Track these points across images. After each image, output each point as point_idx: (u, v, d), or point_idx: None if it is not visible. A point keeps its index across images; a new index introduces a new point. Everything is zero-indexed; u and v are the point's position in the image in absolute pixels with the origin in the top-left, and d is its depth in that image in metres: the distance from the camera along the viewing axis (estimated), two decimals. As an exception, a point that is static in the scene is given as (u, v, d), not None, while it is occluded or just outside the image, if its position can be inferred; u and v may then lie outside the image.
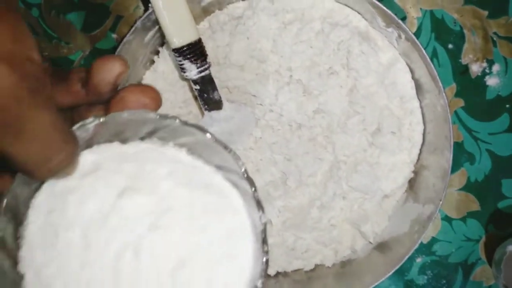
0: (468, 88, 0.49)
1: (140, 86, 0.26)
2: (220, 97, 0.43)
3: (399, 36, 0.42)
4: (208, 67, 0.42)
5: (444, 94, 0.40)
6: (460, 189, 0.50)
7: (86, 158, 0.25)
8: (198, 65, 0.41)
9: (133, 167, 0.25)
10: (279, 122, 0.47)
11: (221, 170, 0.25)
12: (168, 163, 0.25)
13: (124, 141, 0.25)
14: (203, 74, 0.42)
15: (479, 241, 0.51)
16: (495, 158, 0.50)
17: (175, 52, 0.40)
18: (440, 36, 0.49)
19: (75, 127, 0.23)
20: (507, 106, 0.49)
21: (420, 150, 0.45)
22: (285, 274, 0.48)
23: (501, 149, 0.50)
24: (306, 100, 0.46)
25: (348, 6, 0.44)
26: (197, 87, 0.43)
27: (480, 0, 0.48)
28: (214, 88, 0.43)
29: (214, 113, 0.44)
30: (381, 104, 0.44)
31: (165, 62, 0.46)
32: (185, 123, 0.24)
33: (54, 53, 0.50)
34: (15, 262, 0.23)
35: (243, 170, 0.24)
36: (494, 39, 0.49)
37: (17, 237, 0.24)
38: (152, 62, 0.47)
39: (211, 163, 0.25)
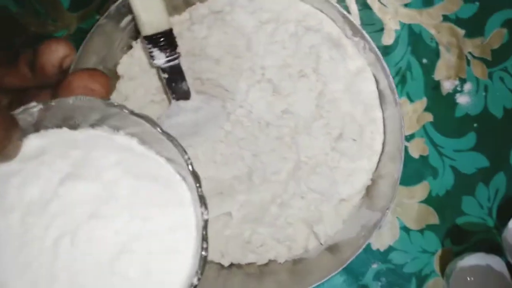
0: (438, 103, 0.50)
1: (88, 71, 0.26)
2: (188, 87, 0.45)
3: (364, 47, 0.43)
4: (178, 57, 0.43)
5: (399, 107, 0.41)
6: (421, 202, 0.51)
7: (32, 142, 0.25)
8: (167, 54, 0.42)
9: (80, 153, 0.25)
10: (248, 119, 0.48)
11: (171, 163, 0.25)
12: (118, 151, 0.25)
13: (74, 127, 0.25)
14: (171, 63, 0.43)
15: (434, 254, 0.52)
16: (458, 174, 0.51)
17: (146, 39, 0.42)
18: (416, 50, 0.49)
19: (17, 111, 0.23)
20: (475, 125, 0.50)
21: (379, 159, 0.46)
22: (239, 266, 0.49)
23: (465, 166, 0.51)
24: (276, 99, 0.47)
25: (323, 12, 0.45)
26: (165, 75, 0.44)
27: (458, 19, 0.49)
28: (182, 78, 0.44)
29: (181, 103, 0.45)
30: (345, 110, 0.45)
31: (142, 48, 0.47)
32: (132, 113, 0.24)
33: (41, 29, 0.52)
34: None
35: (189, 164, 0.24)
36: (469, 58, 0.49)
37: None
38: (130, 47, 0.48)
39: (163, 155, 0.25)
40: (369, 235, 0.42)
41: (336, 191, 0.47)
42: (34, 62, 0.25)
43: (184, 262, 0.25)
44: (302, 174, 0.47)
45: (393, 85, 0.41)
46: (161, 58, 0.42)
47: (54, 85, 0.26)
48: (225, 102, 0.47)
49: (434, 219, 0.52)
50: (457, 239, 0.52)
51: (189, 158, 0.25)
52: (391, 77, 0.41)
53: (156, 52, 0.42)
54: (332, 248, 0.46)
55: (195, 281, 0.24)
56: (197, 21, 0.47)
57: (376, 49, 0.41)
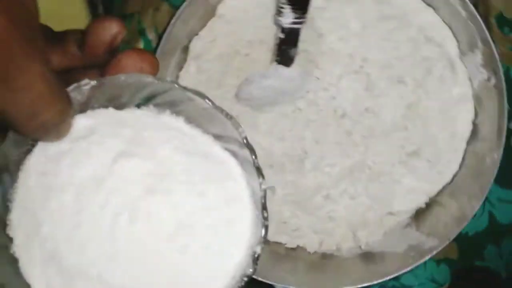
0: (504, 150, 0.50)
1: (137, 50, 0.25)
2: (295, 55, 0.43)
3: (488, 80, 0.42)
4: (303, 22, 0.41)
5: (500, 152, 0.41)
6: (449, 235, 0.52)
7: (80, 122, 0.24)
8: (297, 15, 0.40)
9: (130, 132, 0.24)
10: (327, 103, 0.46)
11: (220, 140, 0.25)
12: (166, 130, 0.25)
13: (119, 107, 0.25)
14: (295, 26, 0.41)
15: (442, 286, 0.53)
16: (493, 221, 0.52)
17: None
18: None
19: (69, 88, 0.22)
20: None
21: (443, 187, 0.46)
22: (266, 241, 0.48)
23: (502, 216, 0.52)
24: (365, 95, 0.46)
25: (451, 28, 0.44)
26: (282, 36, 0.42)
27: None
28: (296, 45, 0.42)
29: (280, 67, 0.43)
30: (432, 131, 0.45)
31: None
32: (184, 88, 0.24)
33: None
34: (4, 225, 0.23)
35: (243, 136, 0.24)
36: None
37: (6, 199, 0.23)
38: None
39: (210, 132, 0.25)
40: (420, 258, 0.42)
41: (389, 203, 0.47)
42: (83, 40, 0.24)
43: (243, 233, 0.25)
44: (362, 176, 0.46)
45: (504, 127, 0.40)
46: (288, 18, 0.40)
47: (103, 64, 0.25)
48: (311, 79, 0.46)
49: (454, 255, 0.53)
50: (467, 279, 0.53)
51: (243, 131, 0.25)
52: (506, 119, 0.40)
53: (287, 9, 0.40)
54: (367, 256, 0.47)
55: (258, 249, 0.24)
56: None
57: (504, 87, 0.40)
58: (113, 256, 0.23)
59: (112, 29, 0.24)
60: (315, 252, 0.48)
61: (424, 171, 0.45)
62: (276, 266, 0.47)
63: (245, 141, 0.24)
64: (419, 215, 0.47)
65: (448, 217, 0.44)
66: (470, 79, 0.44)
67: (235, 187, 0.25)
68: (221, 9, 0.45)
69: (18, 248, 0.23)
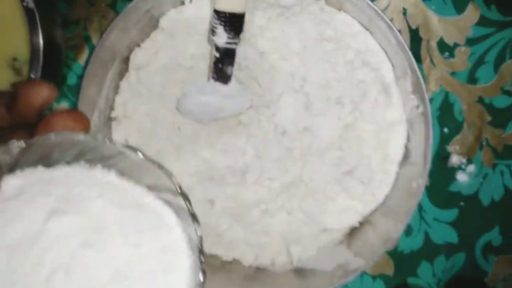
0: (439, 172, 0.52)
1: (68, 110, 0.26)
2: (231, 73, 0.43)
3: (417, 107, 0.43)
4: (237, 43, 0.41)
5: (425, 177, 0.42)
6: (386, 252, 0.53)
7: (9, 183, 0.24)
8: (230, 36, 0.40)
9: (61, 190, 0.25)
10: (268, 120, 0.47)
11: (153, 190, 0.26)
12: (98, 185, 0.25)
13: (49, 165, 0.25)
14: (229, 46, 0.41)
15: (376, 301, 0.54)
16: (427, 241, 0.53)
17: (216, 13, 0.39)
18: (443, 117, 0.51)
19: None
20: (462, 204, 0.52)
21: (376, 208, 0.47)
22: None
23: (436, 236, 0.53)
24: (304, 114, 0.46)
25: (387, 54, 0.44)
26: (217, 55, 0.42)
27: (490, 105, 0.51)
28: (231, 63, 0.42)
29: (217, 85, 0.43)
30: (365, 152, 0.46)
31: (195, 8, 0.45)
32: (115, 144, 0.24)
33: None
34: None
35: (177, 184, 0.25)
36: (483, 143, 0.51)
37: None
38: (182, 3, 0.45)
39: (143, 183, 0.26)
40: (346, 278, 0.43)
41: (323, 220, 0.47)
42: (13, 103, 0.24)
43: (181, 280, 0.25)
44: (298, 192, 0.47)
45: (429, 155, 0.41)
46: (222, 38, 0.40)
47: (32, 124, 0.25)
48: (253, 95, 0.46)
49: (390, 271, 0.54)
50: (402, 295, 0.54)
51: (176, 180, 0.25)
52: (431, 146, 0.41)
53: (220, 29, 0.40)
54: (300, 272, 0.47)
55: None
56: (261, 8, 0.45)
57: (430, 115, 0.41)
58: None
59: (43, 94, 0.25)
60: (249, 266, 0.49)
61: (357, 191, 0.46)
62: (210, 279, 0.47)
63: (178, 189, 0.25)
64: (352, 234, 0.48)
65: (375, 238, 0.45)
66: (404, 104, 0.45)
67: (170, 235, 0.26)
68: (163, 22, 0.45)
69: None
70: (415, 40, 0.49)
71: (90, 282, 0.24)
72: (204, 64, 0.46)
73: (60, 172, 0.25)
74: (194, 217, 0.25)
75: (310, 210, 0.47)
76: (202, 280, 0.25)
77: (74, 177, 0.25)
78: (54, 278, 0.23)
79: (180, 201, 0.25)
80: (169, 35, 0.45)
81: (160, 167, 0.25)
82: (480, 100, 0.50)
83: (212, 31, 0.41)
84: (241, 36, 0.42)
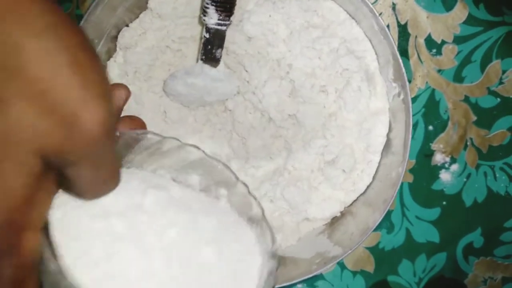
0: (423, 170, 0.52)
1: (130, 116, 0.29)
2: (221, 56, 0.43)
3: (398, 95, 0.43)
4: (228, 24, 0.41)
5: (405, 166, 0.42)
6: (367, 248, 0.53)
7: None
8: (221, 17, 0.40)
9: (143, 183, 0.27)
10: (254, 107, 0.47)
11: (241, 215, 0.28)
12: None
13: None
14: (219, 27, 0.41)
15: (356, 298, 0.54)
16: (409, 238, 0.53)
17: (207, -7, 0.40)
18: (428, 115, 0.51)
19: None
20: (444, 203, 0.52)
21: (357, 198, 0.47)
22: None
23: (418, 234, 0.53)
24: (289, 101, 0.46)
25: (372, 44, 0.45)
26: (207, 35, 0.42)
27: (476, 105, 0.51)
28: (221, 46, 0.42)
29: (206, 67, 0.44)
30: (348, 141, 0.46)
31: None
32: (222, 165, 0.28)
33: None
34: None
35: (265, 221, 0.27)
36: (468, 143, 0.51)
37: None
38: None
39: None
40: (324, 266, 0.43)
41: (305, 209, 0.47)
42: None
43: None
44: (282, 180, 0.47)
45: (409, 142, 0.42)
46: (212, 18, 0.41)
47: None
48: (240, 81, 0.46)
49: (370, 268, 0.54)
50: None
51: (262, 208, 0.28)
52: (410, 133, 0.41)
53: (211, 10, 0.40)
54: (280, 260, 0.47)
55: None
56: (253, -4, 0.45)
57: (410, 104, 0.41)
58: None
59: (123, 95, 0.28)
60: (228, 252, 0.48)
61: (339, 180, 0.46)
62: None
63: (267, 225, 0.27)
64: (333, 223, 0.48)
65: (354, 227, 0.44)
66: (387, 93, 0.45)
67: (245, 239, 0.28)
68: (152, 3, 0.45)
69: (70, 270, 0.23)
70: (404, 35, 0.50)
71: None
72: (192, 47, 0.47)
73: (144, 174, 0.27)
74: (271, 232, 0.27)
75: (293, 199, 0.47)
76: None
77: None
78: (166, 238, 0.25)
79: (258, 211, 0.28)
80: (158, 16, 0.45)
81: (249, 190, 0.28)
82: (466, 99, 0.51)
83: (204, 11, 0.41)
84: (232, 18, 0.42)
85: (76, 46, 0.20)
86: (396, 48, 0.41)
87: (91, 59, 0.20)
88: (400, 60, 0.41)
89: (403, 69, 0.41)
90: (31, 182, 0.20)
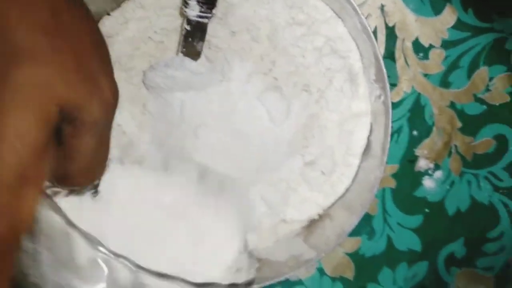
0: (406, 176, 0.51)
1: None
2: (202, 49, 0.43)
3: (379, 96, 0.42)
4: (210, 17, 0.41)
5: (382, 170, 0.41)
6: (347, 254, 0.52)
7: None
8: (203, 9, 0.40)
9: None
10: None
11: None
12: None
13: None
14: (201, 20, 0.41)
15: (333, 304, 0.53)
16: (390, 246, 0.52)
17: (188, -17, 0.39)
18: (412, 120, 0.50)
19: None
20: (426, 210, 0.51)
21: (335, 201, 0.46)
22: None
23: (399, 242, 0.52)
24: (271, 99, 0.46)
25: (356, 43, 0.44)
26: (188, 28, 0.41)
27: (462, 112, 0.50)
28: (202, 39, 0.42)
29: (186, 60, 0.43)
30: (329, 143, 0.45)
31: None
32: None
33: None
34: None
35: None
36: (452, 150, 0.51)
37: None
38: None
39: None
40: (296, 268, 0.42)
41: (282, 210, 0.46)
42: None
43: None
44: (261, 178, 0.46)
45: (387, 146, 0.41)
46: (194, 10, 0.40)
47: None
48: (223, 76, 0.46)
49: (350, 274, 0.52)
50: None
51: None
52: (389, 136, 0.41)
53: (192, 1, 0.40)
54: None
55: None
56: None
57: (390, 104, 0.41)
58: None
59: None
60: (203, 251, 0.47)
61: (318, 182, 0.45)
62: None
63: None
64: (311, 226, 0.47)
65: (331, 231, 0.43)
66: (370, 95, 0.44)
67: None
68: (135, -9, 0.44)
69: None
70: (391, 38, 0.49)
71: None
72: (175, 40, 0.46)
73: None
74: None
75: (270, 199, 0.46)
76: None
77: None
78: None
79: None
80: (140, 6, 0.45)
81: None
82: (452, 105, 0.50)
83: (185, 2, 0.40)
84: (214, 11, 0.41)
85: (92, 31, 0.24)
86: (377, 49, 0.40)
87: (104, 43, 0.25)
88: (382, 61, 0.40)
89: (384, 70, 0.40)
90: (46, 131, 0.20)
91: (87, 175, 0.25)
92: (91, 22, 0.24)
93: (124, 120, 0.46)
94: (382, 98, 0.41)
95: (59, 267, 0.23)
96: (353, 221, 0.41)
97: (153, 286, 0.25)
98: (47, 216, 0.23)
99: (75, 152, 0.23)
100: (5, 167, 0.19)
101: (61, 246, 0.23)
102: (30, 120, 0.20)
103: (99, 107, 0.22)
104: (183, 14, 0.44)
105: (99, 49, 0.23)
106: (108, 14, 0.45)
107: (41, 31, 0.21)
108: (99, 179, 0.27)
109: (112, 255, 0.24)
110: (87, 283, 0.23)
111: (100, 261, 0.24)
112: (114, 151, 0.43)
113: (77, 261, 0.23)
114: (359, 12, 0.40)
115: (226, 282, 0.29)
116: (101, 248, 0.24)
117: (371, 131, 0.44)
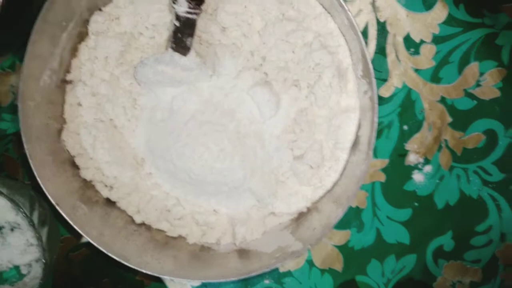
0: (396, 170, 0.51)
1: None
2: (191, 45, 0.42)
3: (366, 92, 0.43)
4: (199, 13, 0.41)
5: (368, 164, 0.41)
6: (336, 246, 0.52)
7: None
8: (191, 5, 0.40)
9: None
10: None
11: None
12: None
13: None
14: (190, 16, 0.41)
15: (323, 296, 0.53)
16: (379, 238, 0.52)
17: (177, -21, 0.39)
18: (403, 114, 0.50)
19: None
20: (416, 204, 0.52)
21: (324, 194, 0.46)
22: (148, 227, 0.48)
23: (388, 234, 0.52)
24: (261, 94, 0.46)
25: (346, 40, 0.44)
26: (177, 23, 0.41)
27: (452, 107, 0.50)
28: (191, 34, 0.42)
29: (176, 55, 0.43)
30: (317, 137, 0.45)
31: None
32: None
33: None
34: None
35: None
36: (442, 145, 0.51)
37: None
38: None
39: None
40: (283, 260, 0.42)
41: (271, 203, 0.47)
42: None
43: None
44: (250, 172, 0.46)
45: (374, 140, 0.41)
46: (182, 6, 0.40)
47: None
48: (213, 71, 0.46)
49: (339, 266, 0.53)
50: (349, 292, 0.54)
51: None
52: (375, 131, 0.41)
53: (181, -1, 0.39)
54: (242, 253, 0.47)
55: None
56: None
57: (376, 100, 0.41)
58: None
59: None
60: (194, 244, 0.48)
61: (307, 176, 0.45)
62: (156, 254, 0.46)
63: None
64: (299, 218, 0.47)
65: (318, 223, 0.44)
66: (358, 90, 0.44)
67: None
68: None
69: None
70: (382, 33, 0.49)
71: None
72: (166, 35, 0.46)
73: None
74: None
75: (259, 192, 0.46)
76: None
77: None
78: None
79: None
80: (131, 2, 0.45)
81: None
82: (442, 100, 0.50)
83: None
84: (203, 7, 0.41)
85: None
86: (364, 45, 0.40)
87: None
88: (368, 58, 0.40)
89: (371, 66, 0.41)
90: None
91: None
92: None
93: (116, 114, 0.47)
94: (369, 94, 0.42)
95: None
96: (339, 213, 0.42)
97: None
98: None
99: None
100: None
101: None
102: None
103: None
104: (171, 10, 0.44)
105: None
106: (100, 10, 0.45)
107: None
108: None
109: None
110: None
111: None
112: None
113: None
114: (346, 8, 0.40)
115: None
116: None
117: (359, 126, 0.44)
